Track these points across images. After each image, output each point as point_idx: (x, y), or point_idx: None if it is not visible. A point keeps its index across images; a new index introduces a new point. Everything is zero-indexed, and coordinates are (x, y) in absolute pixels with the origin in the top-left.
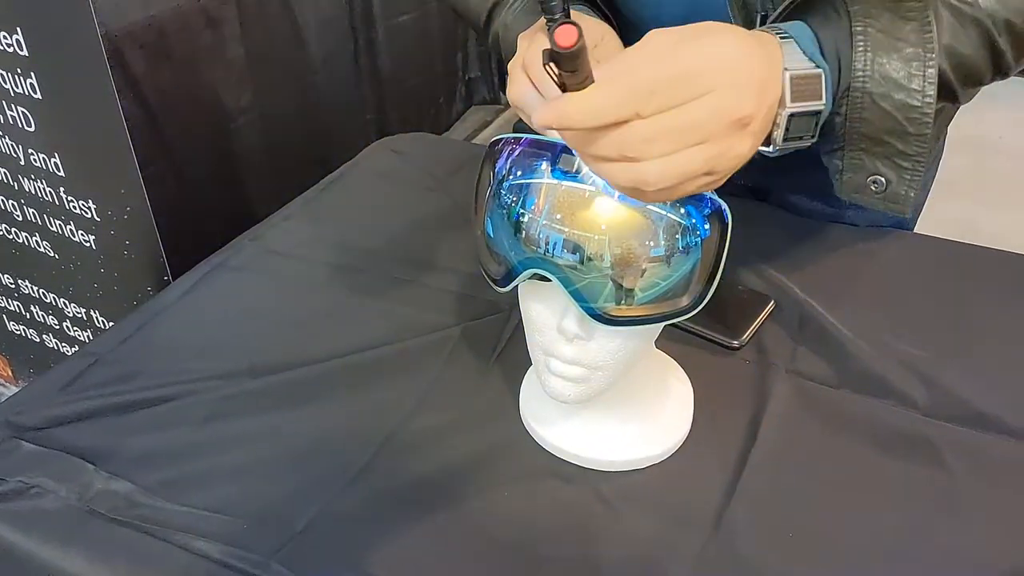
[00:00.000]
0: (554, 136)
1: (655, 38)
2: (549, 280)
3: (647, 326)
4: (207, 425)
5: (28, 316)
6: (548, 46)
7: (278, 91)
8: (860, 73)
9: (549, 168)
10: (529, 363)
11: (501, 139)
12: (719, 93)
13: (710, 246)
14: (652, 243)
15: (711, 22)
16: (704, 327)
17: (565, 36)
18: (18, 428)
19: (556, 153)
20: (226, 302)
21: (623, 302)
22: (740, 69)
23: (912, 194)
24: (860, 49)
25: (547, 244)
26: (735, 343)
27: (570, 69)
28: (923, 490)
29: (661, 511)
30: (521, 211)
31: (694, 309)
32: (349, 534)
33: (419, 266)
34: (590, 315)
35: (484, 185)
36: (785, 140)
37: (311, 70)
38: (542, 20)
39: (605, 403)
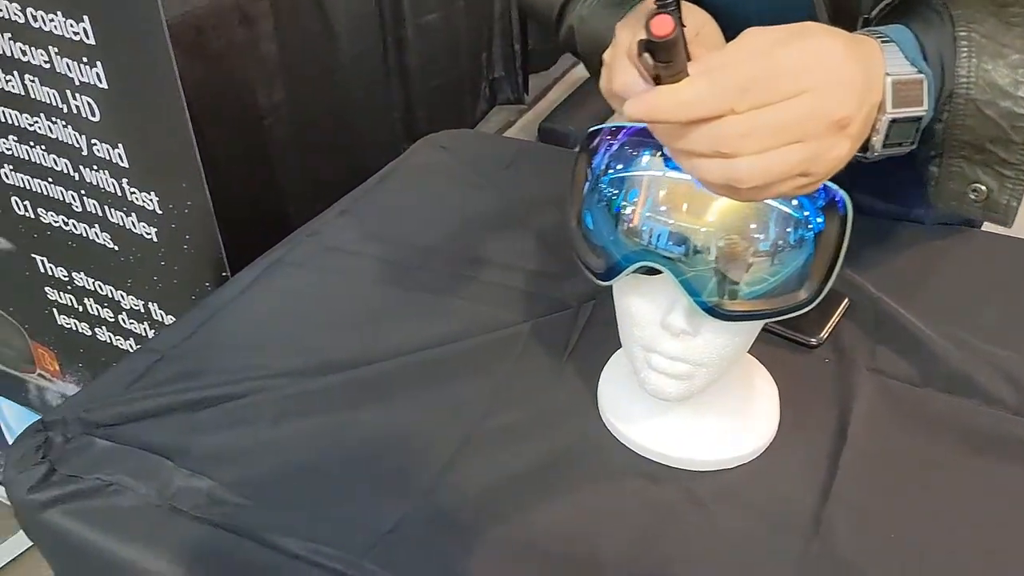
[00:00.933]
0: None
1: (753, 35)
2: (657, 273)
3: (754, 322)
4: (281, 422)
5: (80, 309)
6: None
7: (308, 89)
8: (964, 79)
9: (654, 159)
10: (604, 360)
11: (598, 131)
12: (818, 93)
13: (826, 239)
14: (762, 236)
15: (811, 23)
16: (781, 324)
17: (660, 25)
18: (89, 425)
19: (657, 144)
20: (287, 298)
21: (736, 296)
22: (841, 70)
23: (1015, 204)
24: (964, 55)
25: (652, 236)
26: (813, 341)
27: (664, 60)
28: (1019, 490)
29: (756, 512)
30: (623, 203)
31: (811, 304)
32: (439, 533)
33: (478, 263)
34: (703, 309)
35: (580, 178)
36: (884, 146)
37: (341, 68)
38: (645, 9)
39: (693, 401)
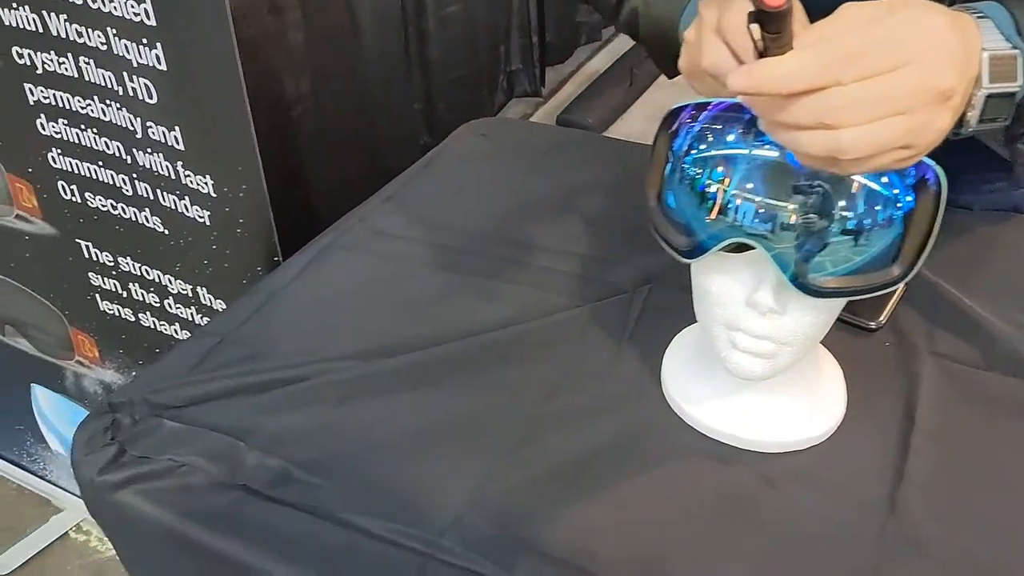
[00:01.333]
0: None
1: (853, 8)
2: (743, 251)
3: (840, 299)
4: (346, 404)
5: (124, 295)
6: (749, 8)
7: (334, 80)
8: None
9: (739, 137)
10: (663, 344)
11: (677, 111)
12: (922, 64)
13: (917, 216)
14: (850, 213)
15: None
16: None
17: None
18: (156, 407)
19: (746, 121)
20: (340, 283)
21: (826, 272)
22: (942, 43)
23: None
24: None
25: (738, 213)
26: (872, 324)
27: (775, 31)
28: None
29: (830, 493)
30: (708, 182)
31: (904, 279)
32: (513, 512)
33: (528, 247)
34: (795, 286)
35: (660, 158)
36: (980, 121)
37: (365, 59)
38: None
39: (762, 382)
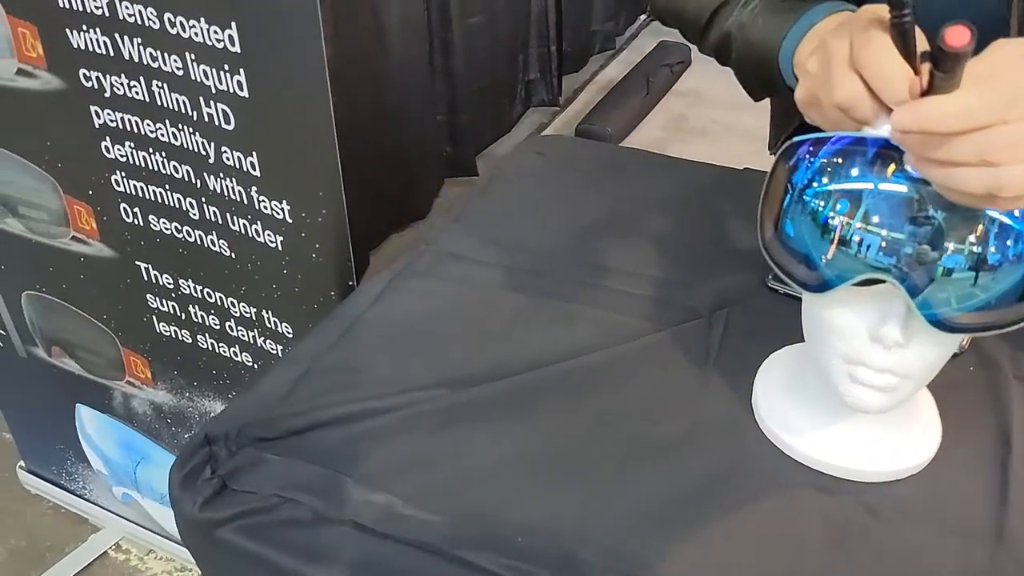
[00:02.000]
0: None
1: (1007, 47)
2: (875, 283)
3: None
4: (443, 433)
5: (183, 317)
6: (888, 41)
7: (361, 91)
8: None
9: (864, 170)
10: (749, 370)
11: (795, 145)
12: None
13: None
14: (982, 249)
15: None
16: None
17: (958, 36)
18: (254, 439)
19: (871, 156)
20: (419, 308)
21: (957, 308)
22: None
23: None
24: None
25: (863, 248)
26: (957, 350)
27: (949, 71)
28: None
29: (934, 522)
30: (831, 215)
31: None
32: (622, 549)
33: (601, 269)
34: (931, 321)
35: (778, 188)
36: None
37: (391, 70)
38: (864, 14)
39: (849, 411)
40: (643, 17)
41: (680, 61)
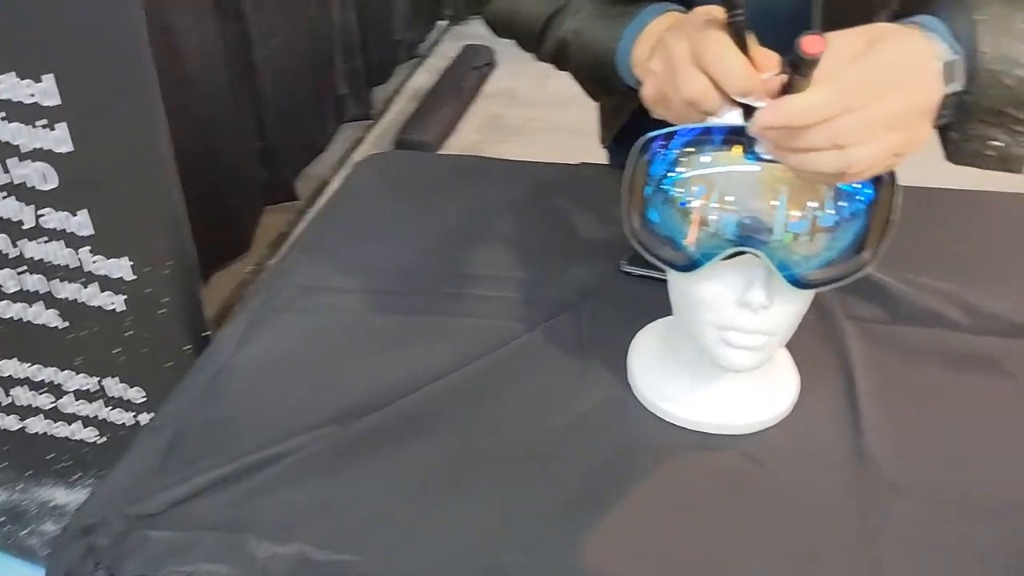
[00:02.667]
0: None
1: (840, 44)
2: (737, 256)
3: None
4: (340, 471)
5: (7, 401)
6: (727, 39)
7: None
8: (987, 55)
9: (713, 157)
10: (621, 351)
11: (648, 141)
12: (911, 88)
13: (878, 206)
14: (823, 212)
15: (880, 24)
16: None
17: (814, 44)
18: (136, 519)
19: (718, 143)
20: (288, 347)
21: (810, 267)
22: (922, 64)
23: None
24: (984, 34)
25: (722, 225)
26: None
27: (806, 74)
28: (1002, 395)
29: (806, 457)
30: (689, 199)
31: (873, 263)
32: (542, 544)
33: (463, 279)
34: (790, 282)
35: (639, 182)
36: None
37: (194, 104)
38: (698, 15)
39: (719, 372)
40: (443, 23)
41: (487, 63)
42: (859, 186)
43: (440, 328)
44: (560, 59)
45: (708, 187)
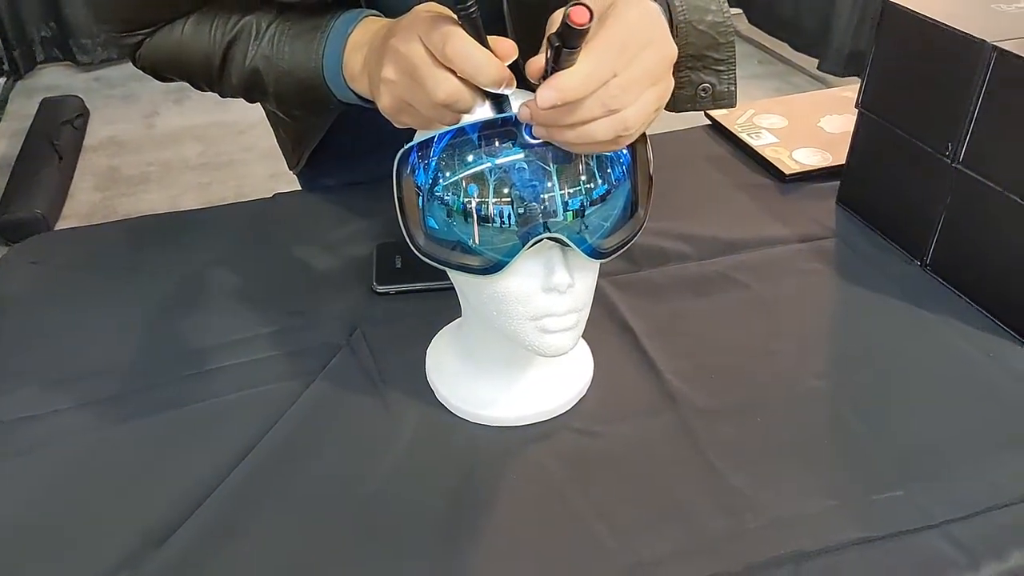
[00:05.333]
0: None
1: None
2: (532, 245)
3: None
4: None
5: None
6: (461, 32)
7: None
8: (680, 8)
9: (478, 155)
10: (420, 371)
11: (408, 151)
12: (658, 42)
13: (639, 164)
14: (593, 183)
15: None
16: None
17: (580, 14)
18: None
19: (475, 140)
20: (17, 501)
21: (600, 236)
22: (661, 21)
23: (734, 88)
24: None
25: (505, 219)
26: None
27: (576, 45)
28: (747, 306)
29: (625, 413)
30: (466, 200)
31: (646, 218)
32: None
33: (201, 355)
34: (590, 255)
35: (411, 197)
36: None
37: None
38: (420, 15)
39: (524, 363)
40: (0, 80)
41: (79, 114)
42: (616, 151)
43: (202, 416)
44: (253, 90)
45: (481, 185)
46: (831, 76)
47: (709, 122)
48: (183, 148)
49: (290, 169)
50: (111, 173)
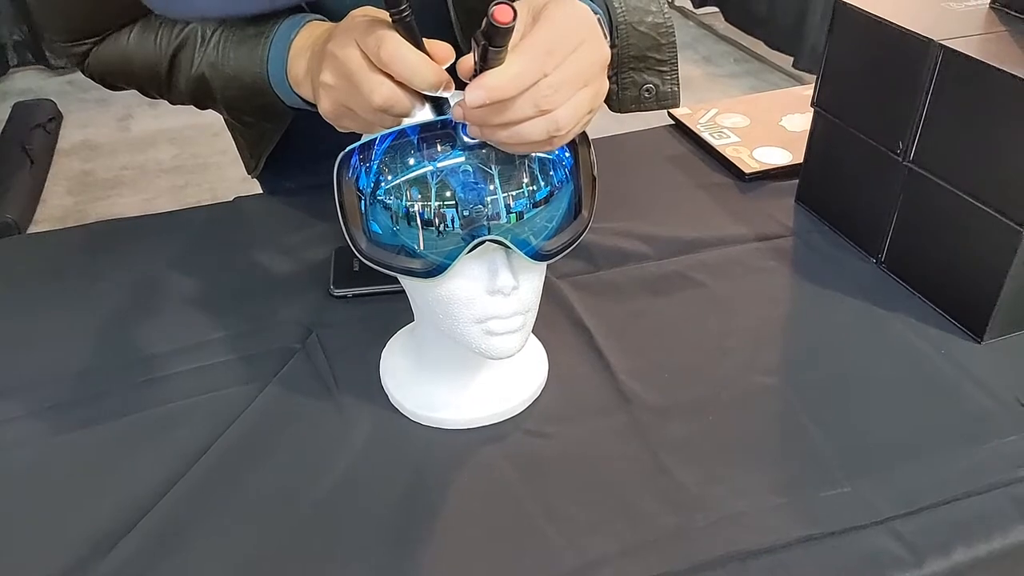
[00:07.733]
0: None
1: (521, 12)
2: (475, 248)
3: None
4: None
5: None
6: (397, 36)
7: None
8: (620, 10)
9: (418, 158)
10: (374, 375)
11: (348, 155)
12: (589, 43)
13: (581, 166)
14: (535, 186)
15: None
16: None
17: (504, 13)
18: None
19: (415, 143)
20: None
21: (543, 238)
22: (593, 23)
23: (677, 88)
24: None
25: (447, 222)
26: None
27: (502, 43)
28: (704, 305)
29: (581, 412)
30: (409, 203)
31: (590, 219)
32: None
33: (153, 361)
34: (533, 257)
35: (351, 199)
36: None
37: None
38: (357, 20)
39: (483, 364)
40: None
41: (51, 117)
42: (558, 153)
43: (154, 422)
44: (202, 96)
45: (422, 188)
46: (806, 74)
47: (672, 122)
48: (157, 151)
49: (248, 173)
50: (84, 177)
